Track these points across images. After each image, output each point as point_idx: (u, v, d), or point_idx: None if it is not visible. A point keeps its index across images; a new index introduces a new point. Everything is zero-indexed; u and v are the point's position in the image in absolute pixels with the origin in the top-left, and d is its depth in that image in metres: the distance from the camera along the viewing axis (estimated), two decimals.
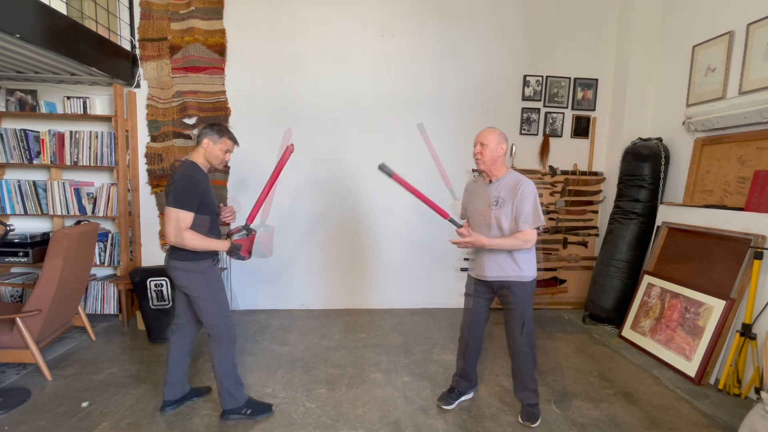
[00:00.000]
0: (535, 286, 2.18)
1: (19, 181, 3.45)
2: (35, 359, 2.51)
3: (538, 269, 2.25)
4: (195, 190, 1.97)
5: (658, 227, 3.44)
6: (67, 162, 3.46)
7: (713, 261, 2.91)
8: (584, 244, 4.13)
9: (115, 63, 3.32)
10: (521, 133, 3.99)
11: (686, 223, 3.16)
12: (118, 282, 3.44)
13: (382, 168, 2.15)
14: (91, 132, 3.46)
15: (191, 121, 3.68)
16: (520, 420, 2.22)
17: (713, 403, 2.46)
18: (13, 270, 3.54)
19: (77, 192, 3.49)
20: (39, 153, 3.46)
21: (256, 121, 3.74)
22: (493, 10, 3.84)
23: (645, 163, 3.47)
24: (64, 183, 3.47)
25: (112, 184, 3.51)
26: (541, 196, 3.99)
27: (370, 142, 3.84)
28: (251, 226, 2.20)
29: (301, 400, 2.40)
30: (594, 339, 3.39)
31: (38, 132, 3.45)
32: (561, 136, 4.04)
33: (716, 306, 2.73)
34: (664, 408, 2.40)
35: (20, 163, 3.43)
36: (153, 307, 3.16)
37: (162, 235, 3.75)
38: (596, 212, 4.14)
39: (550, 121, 4.01)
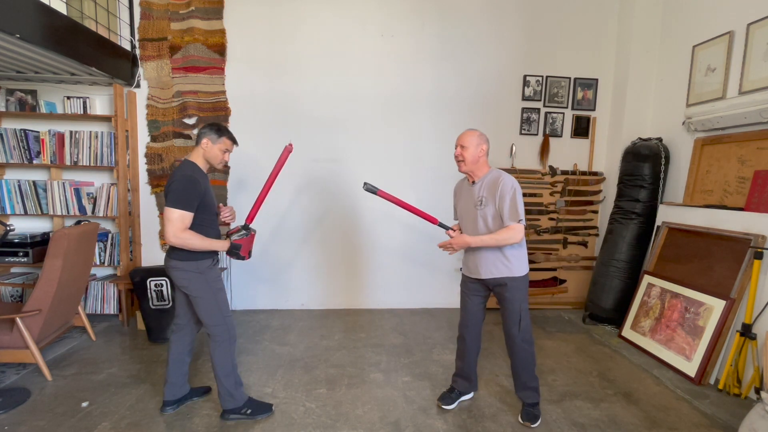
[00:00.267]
0: (528, 282, 2.19)
1: (19, 181, 3.45)
2: (35, 359, 2.51)
3: (538, 269, 2.25)
4: (194, 190, 1.97)
5: (658, 227, 3.44)
6: (67, 162, 3.46)
7: (713, 261, 2.91)
8: (584, 244, 4.13)
9: (115, 63, 3.32)
10: (521, 133, 3.99)
11: (686, 223, 3.16)
12: (118, 282, 3.44)
13: (367, 187, 2.23)
14: (91, 132, 3.46)
15: (191, 121, 3.69)
16: (520, 420, 2.22)
17: (713, 403, 2.46)
18: (13, 270, 3.54)
19: (77, 192, 3.49)
20: (39, 153, 3.46)
21: (256, 121, 3.74)
22: (493, 10, 3.84)
23: (645, 163, 3.47)
24: (64, 183, 3.47)
25: (112, 184, 3.51)
26: (541, 196, 4.01)
27: (371, 142, 3.84)
28: (251, 226, 2.21)
29: (301, 400, 2.40)
30: (594, 339, 3.39)
31: (38, 132, 3.45)
32: (561, 136, 4.04)
33: (716, 306, 2.73)
34: (664, 408, 2.39)
35: (20, 163, 3.43)
36: (153, 307, 3.16)
37: (162, 235, 3.75)
38: (596, 212, 4.14)
39: (550, 121, 4.01)
